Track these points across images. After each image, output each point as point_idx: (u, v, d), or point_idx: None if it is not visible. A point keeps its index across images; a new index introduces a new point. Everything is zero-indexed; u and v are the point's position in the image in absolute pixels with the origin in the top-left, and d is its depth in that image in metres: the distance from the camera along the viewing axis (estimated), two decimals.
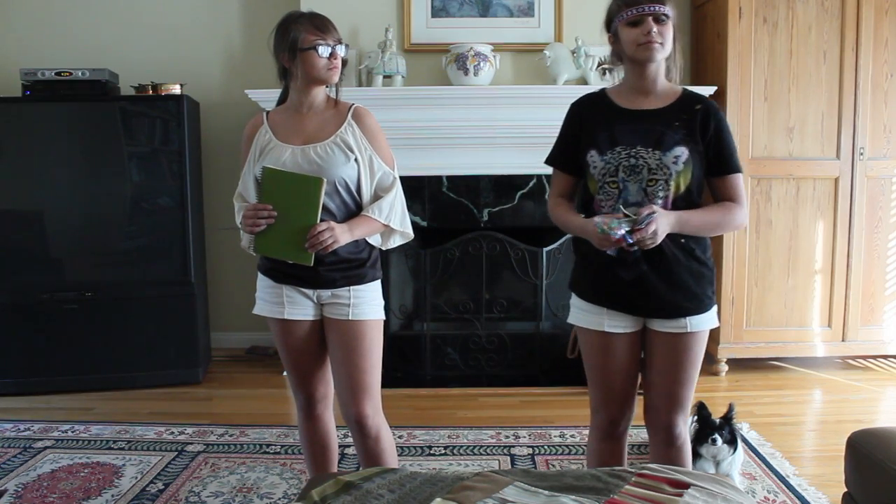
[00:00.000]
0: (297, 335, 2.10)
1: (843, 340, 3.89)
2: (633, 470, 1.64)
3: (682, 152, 1.80)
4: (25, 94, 3.71)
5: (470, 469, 2.34)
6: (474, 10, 3.95)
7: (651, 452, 2.07)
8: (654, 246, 1.75)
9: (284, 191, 1.94)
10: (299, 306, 2.08)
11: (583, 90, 3.74)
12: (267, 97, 3.70)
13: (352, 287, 2.06)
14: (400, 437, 3.01)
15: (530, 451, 2.93)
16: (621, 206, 1.80)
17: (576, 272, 2.01)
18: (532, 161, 3.87)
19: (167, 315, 3.75)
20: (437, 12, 3.95)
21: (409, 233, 2.15)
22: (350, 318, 2.05)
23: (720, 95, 3.72)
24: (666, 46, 1.82)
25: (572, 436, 3.05)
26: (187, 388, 3.77)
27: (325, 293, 2.06)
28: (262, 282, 2.13)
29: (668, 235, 1.80)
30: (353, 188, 2.03)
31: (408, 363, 3.93)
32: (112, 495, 2.57)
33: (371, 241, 2.10)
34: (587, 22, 3.91)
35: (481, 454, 2.91)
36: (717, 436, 2.48)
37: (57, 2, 4.19)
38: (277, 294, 2.08)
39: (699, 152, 1.83)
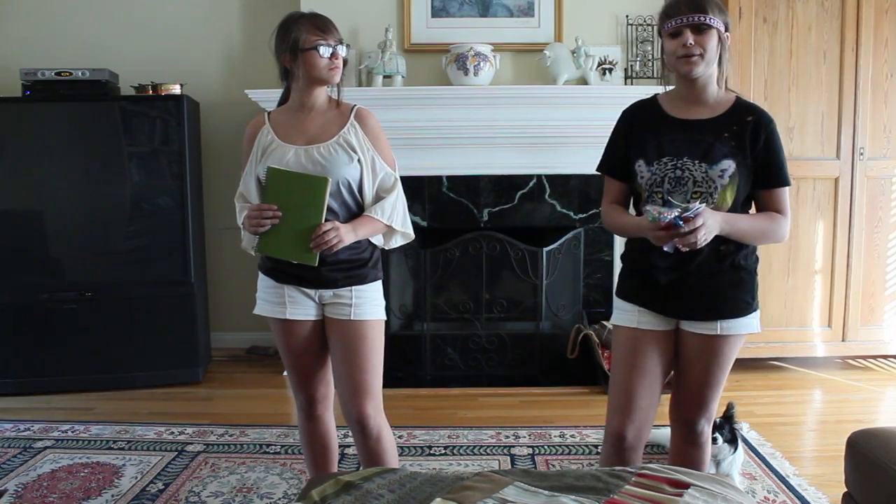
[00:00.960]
0: (298, 335, 2.10)
1: (843, 340, 3.89)
2: (633, 470, 1.64)
3: (729, 165, 1.78)
4: (25, 94, 3.71)
5: (470, 469, 2.34)
6: (474, 10, 3.95)
7: (671, 450, 2.09)
8: (704, 244, 1.71)
9: (289, 191, 1.94)
10: (301, 306, 2.08)
11: (583, 90, 3.79)
12: (267, 97, 3.71)
13: (353, 287, 2.06)
14: (400, 437, 3.01)
15: (530, 451, 2.93)
16: (671, 199, 1.80)
17: (621, 276, 2.03)
18: (532, 161, 3.90)
19: (167, 315, 3.75)
20: (437, 12, 3.95)
21: (411, 233, 2.15)
22: (352, 318, 2.05)
23: None
24: (708, 58, 1.78)
25: (572, 436, 3.05)
26: (187, 388, 3.77)
27: (327, 293, 2.06)
28: (264, 282, 2.13)
29: (714, 241, 1.78)
30: (355, 189, 2.03)
31: (408, 363, 3.93)
32: (112, 495, 2.57)
33: (373, 241, 2.10)
34: (587, 22, 3.92)
35: (481, 454, 2.91)
36: (717, 435, 2.48)
37: (57, 2, 4.20)
38: (279, 294, 2.08)
39: (747, 165, 1.80)
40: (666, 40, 1.81)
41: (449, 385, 3.75)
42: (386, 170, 2.07)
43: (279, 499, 2.54)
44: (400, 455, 2.76)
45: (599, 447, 2.84)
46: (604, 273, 3.98)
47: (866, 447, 1.83)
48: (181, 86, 3.83)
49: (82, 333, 3.68)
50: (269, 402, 3.61)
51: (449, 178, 3.88)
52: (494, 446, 2.97)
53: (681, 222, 1.68)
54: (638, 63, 3.88)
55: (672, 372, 2.02)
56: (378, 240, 2.12)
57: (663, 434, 2.72)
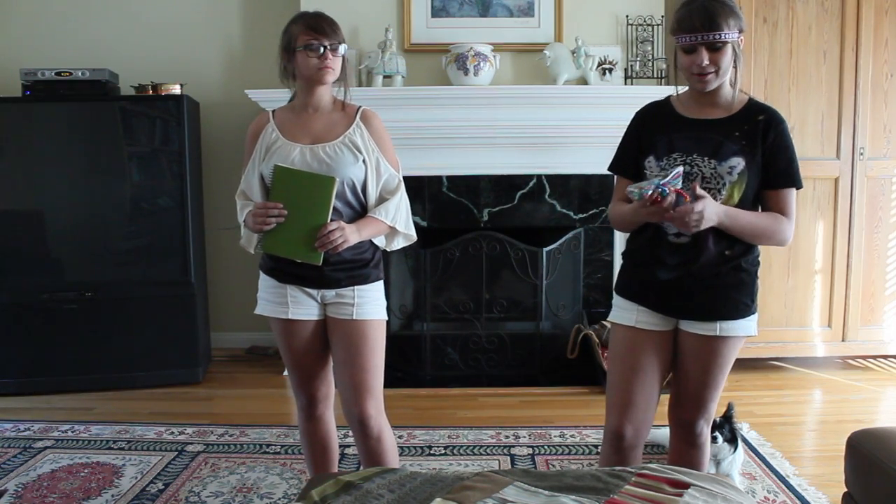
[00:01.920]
0: (300, 335, 2.10)
1: (843, 340, 3.89)
2: (633, 470, 1.64)
3: (739, 163, 1.79)
4: (25, 94, 3.71)
5: (470, 469, 2.34)
6: (474, 10, 3.95)
7: (671, 450, 2.09)
8: (697, 229, 1.72)
9: (295, 190, 1.94)
10: (303, 306, 2.08)
11: (583, 90, 3.79)
12: (267, 97, 3.71)
13: (356, 287, 2.07)
14: (400, 437, 3.01)
15: (530, 451, 2.93)
16: (647, 173, 1.83)
17: (620, 273, 2.04)
18: (532, 161, 3.90)
19: (167, 315, 3.75)
20: (437, 12, 3.95)
21: (413, 235, 2.16)
22: (354, 317, 2.06)
23: None
24: (721, 74, 1.79)
25: (572, 436, 3.05)
26: (187, 388, 3.77)
27: (330, 293, 2.06)
28: (265, 282, 2.12)
29: (715, 242, 1.80)
30: (359, 189, 2.04)
31: (408, 363, 3.93)
32: (112, 495, 2.57)
33: (375, 241, 2.11)
34: (587, 22, 3.92)
35: (481, 454, 2.91)
36: (717, 434, 2.48)
37: (57, 2, 4.20)
38: (281, 294, 2.08)
39: (757, 164, 1.81)
40: (679, 52, 1.80)
41: (449, 385, 3.75)
42: (390, 171, 2.08)
43: (279, 499, 2.54)
44: (400, 455, 2.76)
45: (599, 447, 2.85)
46: (604, 273, 3.98)
47: (866, 447, 1.83)
48: (181, 86, 3.83)
49: (82, 333, 3.68)
50: (269, 402, 3.61)
51: (449, 178, 3.88)
52: (494, 446, 2.97)
53: (666, 190, 1.69)
54: (638, 63, 3.88)
55: (671, 372, 2.02)
56: (380, 241, 2.12)
57: (663, 434, 2.72)
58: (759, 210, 1.89)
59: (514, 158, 3.86)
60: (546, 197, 3.92)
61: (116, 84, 3.92)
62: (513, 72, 3.97)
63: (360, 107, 2.11)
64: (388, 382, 2.25)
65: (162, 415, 3.37)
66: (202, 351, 3.91)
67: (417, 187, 3.81)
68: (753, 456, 2.84)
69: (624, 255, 2.03)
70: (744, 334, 1.90)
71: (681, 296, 1.86)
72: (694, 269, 1.83)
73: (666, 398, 2.05)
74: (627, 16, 3.89)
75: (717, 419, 2.52)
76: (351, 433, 2.17)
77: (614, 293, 2.02)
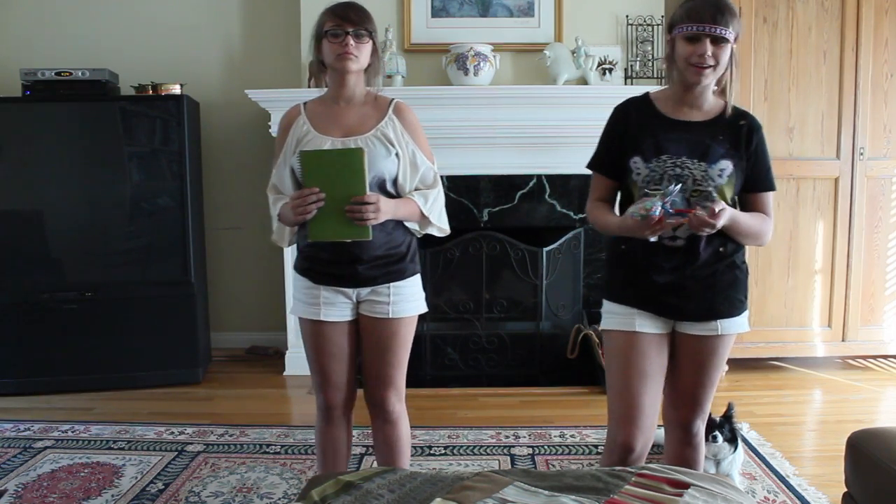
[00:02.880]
0: (329, 338, 2.06)
1: (843, 340, 3.89)
2: (633, 470, 1.64)
3: (727, 166, 1.80)
4: (25, 94, 3.70)
5: (470, 469, 2.34)
6: (474, 10, 3.95)
7: (666, 450, 2.08)
8: (710, 232, 1.73)
9: (326, 171, 1.88)
10: (335, 307, 2.05)
11: (583, 90, 3.79)
12: (267, 97, 3.71)
13: (392, 284, 2.04)
14: None
15: (530, 451, 2.93)
16: (646, 190, 1.80)
17: (609, 277, 2.01)
18: (532, 161, 3.89)
19: (167, 315, 3.75)
20: (437, 12, 3.95)
21: (446, 228, 2.13)
22: (390, 316, 2.05)
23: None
24: (718, 70, 1.79)
25: (572, 436, 3.05)
26: (187, 388, 3.77)
27: (365, 291, 2.04)
28: (299, 282, 2.09)
29: (707, 242, 1.81)
30: (390, 183, 2.00)
31: (408, 363, 3.92)
32: (112, 495, 2.57)
33: (409, 226, 2.08)
34: (587, 22, 3.92)
35: (481, 454, 2.91)
36: (717, 433, 2.48)
37: (57, 2, 4.19)
38: (314, 295, 2.04)
39: (742, 168, 1.83)
40: (679, 42, 1.79)
41: (449, 385, 3.75)
42: (427, 164, 2.06)
43: (279, 499, 2.54)
44: None
45: (600, 447, 2.85)
46: (604, 273, 3.97)
47: (866, 447, 1.83)
48: (181, 86, 3.83)
49: (82, 333, 3.67)
50: (269, 402, 3.61)
51: (449, 178, 3.88)
52: (494, 446, 2.97)
53: (670, 209, 1.70)
54: (638, 63, 3.88)
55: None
56: (413, 226, 2.09)
57: (659, 434, 2.72)
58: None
59: (514, 158, 3.86)
60: (546, 197, 3.92)
61: (116, 84, 3.92)
62: (513, 72, 3.97)
63: (392, 99, 2.06)
64: None
65: (162, 415, 3.37)
66: (202, 351, 3.90)
67: None
68: (753, 456, 2.84)
69: (610, 259, 2.01)
70: (740, 331, 1.92)
71: (680, 298, 1.86)
72: (692, 270, 1.83)
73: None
74: (627, 16, 3.89)
75: (718, 419, 2.52)
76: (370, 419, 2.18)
77: (605, 300, 1.99)
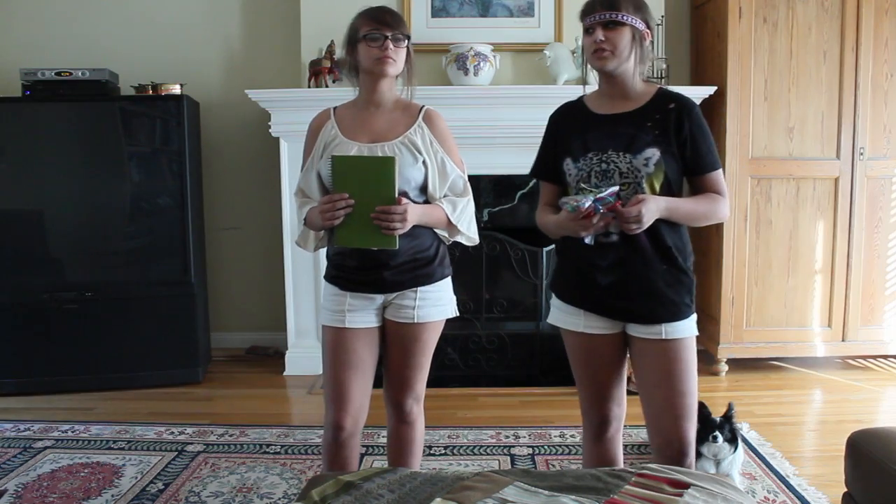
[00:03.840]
0: (352, 347, 2.01)
1: (843, 340, 3.89)
2: (633, 470, 1.64)
3: (653, 154, 1.79)
4: (25, 94, 3.71)
5: (470, 469, 2.34)
6: (474, 10, 3.95)
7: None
8: (638, 230, 1.73)
9: (357, 177, 1.86)
10: (361, 314, 2.02)
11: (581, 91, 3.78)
12: (267, 97, 3.71)
13: (419, 288, 2.01)
14: None
15: (530, 451, 2.93)
16: (582, 185, 1.81)
17: (557, 273, 2.02)
18: (532, 161, 3.88)
19: (167, 315, 3.75)
20: (437, 12, 3.95)
21: (475, 238, 2.10)
22: (415, 321, 2.02)
23: (720, 95, 3.72)
24: (618, 54, 1.81)
25: (572, 436, 3.05)
26: (187, 388, 3.77)
27: (392, 295, 2.02)
28: (327, 289, 2.06)
29: (653, 239, 1.79)
30: (416, 191, 1.98)
31: None
32: (112, 495, 2.57)
33: (438, 232, 2.05)
34: None
35: (481, 454, 2.91)
36: (718, 434, 2.48)
37: (57, 2, 4.20)
38: (340, 303, 2.02)
39: (672, 153, 1.81)
40: (583, 36, 1.87)
41: (449, 385, 3.75)
42: (457, 172, 2.03)
43: (279, 499, 2.54)
44: None
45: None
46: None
47: (866, 447, 1.83)
48: (181, 86, 3.83)
49: (82, 333, 3.68)
50: (269, 402, 3.61)
51: None
52: (494, 446, 2.97)
53: (600, 206, 1.70)
54: None
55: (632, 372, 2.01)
56: (443, 233, 2.06)
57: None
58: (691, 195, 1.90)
59: (514, 158, 3.84)
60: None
61: (116, 84, 3.92)
62: (513, 72, 3.97)
63: (423, 106, 2.04)
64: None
65: (162, 415, 3.37)
66: (202, 351, 3.90)
67: None
68: (753, 456, 2.84)
69: (558, 254, 2.02)
70: (687, 335, 1.85)
71: (622, 299, 1.84)
72: (632, 270, 1.81)
73: (634, 399, 1.98)
74: None
75: (718, 419, 2.52)
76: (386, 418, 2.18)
77: (554, 295, 1.99)
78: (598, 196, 1.70)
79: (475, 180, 3.93)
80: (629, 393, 2.01)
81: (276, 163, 3.85)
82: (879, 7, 3.69)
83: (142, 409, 3.45)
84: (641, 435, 2.84)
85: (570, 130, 1.90)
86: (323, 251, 2.14)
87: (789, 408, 3.46)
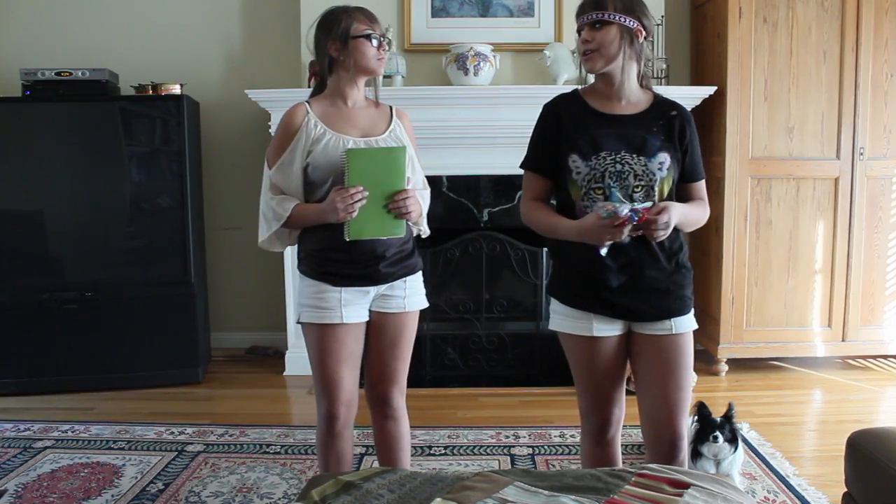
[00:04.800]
0: (345, 342, 2.03)
1: (843, 340, 3.88)
2: (633, 470, 1.64)
3: (666, 158, 1.80)
4: (25, 94, 3.71)
5: (470, 469, 2.34)
6: (474, 10, 3.95)
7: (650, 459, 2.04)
8: (664, 237, 1.75)
9: (370, 169, 1.92)
10: (355, 307, 2.04)
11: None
12: (267, 97, 3.71)
13: (407, 278, 2.10)
14: None
15: (530, 451, 2.93)
16: (614, 190, 1.78)
17: (558, 278, 1.98)
18: None
19: (167, 315, 3.75)
20: (437, 12, 3.95)
21: (428, 231, 2.25)
22: (406, 309, 2.10)
23: (720, 95, 3.72)
24: (605, 53, 1.80)
25: (572, 436, 3.05)
26: (187, 388, 3.77)
27: (383, 287, 2.07)
28: (311, 287, 2.03)
29: (659, 242, 1.81)
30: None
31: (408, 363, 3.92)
32: (112, 495, 2.57)
33: (410, 224, 2.13)
34: None
35: (481, 454, 2.91)
36: (718, 434, 2.48)
37: (57, 2, 4.20)
38: (331, 299, 2.01)
39: (677, 159, 1.84)
40: (577, 40, 1.89)
41: (449, 385, 3.75)
42: (419, 169, 2.15)
43: (279, 499, 2.54)
44: None
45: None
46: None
47: (866, 447, 1.83)
48: (181, 86, 3.83)
49: (82, 333, 3.67)
50: (269, 402, 3.61)
51: (449, 178, 3.88)
52: (494, 446, 2.97)
53: (635, 217, 1.69)
54: None
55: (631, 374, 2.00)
56: (413, 224, 2.16)
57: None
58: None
59: (514, 158, 3.79)
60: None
61: (116, 84, 3.92)
62: (513, 72, 3.97)
63: (391, 105, 2.16)
64: None
65: (162, 415, 3.37)
66: (202, 351, 3.91)
67: None
68: (753, 456, 2.84)
69: (556, 257, 1.98)
70: (691, 329, 1.90)
71: (633, 298, 1.84)
72: (644, 270, 1.82)
73: (632, 399, 1.99)
74: None
75: (718, 419, 2.52)
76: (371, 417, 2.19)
77: (555, 300, 1.96)
78: (634, 207, 1.71)
79: (475, 180, 3.96)
80: (628, 393, 2.01)
81: None
82: (879, 7, 3.69)
83: (142, 409, 3.45)
84: (641, 435, 2.84)
85: (575, 126, 1.85)
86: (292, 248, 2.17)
87: (789, 408, 3.46)
